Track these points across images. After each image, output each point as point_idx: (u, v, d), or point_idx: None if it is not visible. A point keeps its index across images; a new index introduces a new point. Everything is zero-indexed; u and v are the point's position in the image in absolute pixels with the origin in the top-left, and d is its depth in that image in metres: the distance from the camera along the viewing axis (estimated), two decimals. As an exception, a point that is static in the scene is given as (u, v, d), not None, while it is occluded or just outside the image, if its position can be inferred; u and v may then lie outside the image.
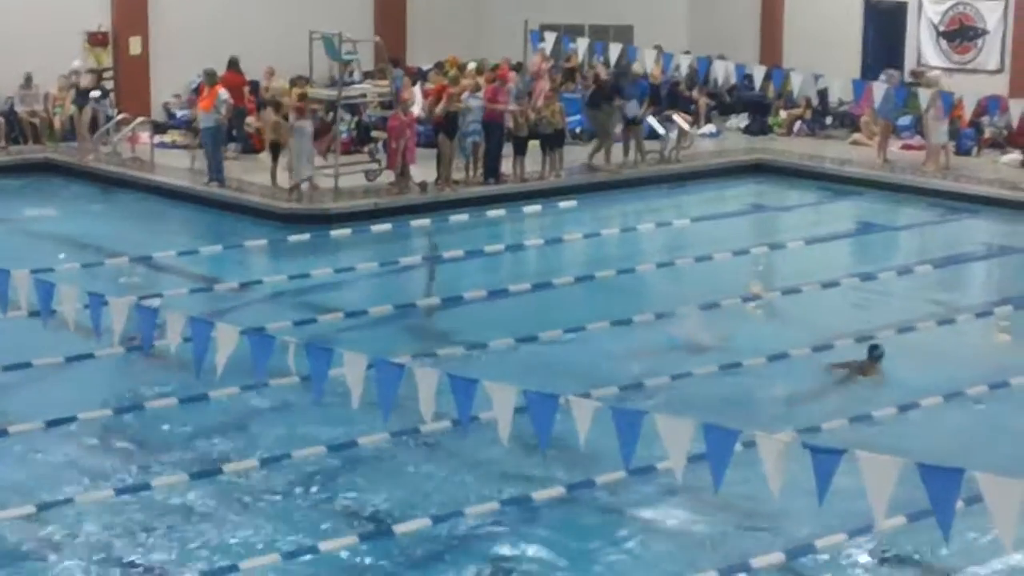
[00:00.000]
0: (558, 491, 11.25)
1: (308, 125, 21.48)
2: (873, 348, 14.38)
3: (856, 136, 27.07)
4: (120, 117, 25.11)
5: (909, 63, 28.38)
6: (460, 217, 20.69)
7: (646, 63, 25.19)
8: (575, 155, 24.52)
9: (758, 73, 24.25)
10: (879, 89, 23.08)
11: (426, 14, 29.94)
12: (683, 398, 13.15)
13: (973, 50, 27.93)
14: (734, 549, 10.53)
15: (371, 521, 11.11)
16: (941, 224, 22.39)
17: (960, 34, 28.10)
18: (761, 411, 13.28)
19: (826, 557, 10.35)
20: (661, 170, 24.87)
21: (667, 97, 27.73)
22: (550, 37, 25.36)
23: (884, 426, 12.64)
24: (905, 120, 26.42)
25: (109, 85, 26.40)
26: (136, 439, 12.68)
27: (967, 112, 23.49)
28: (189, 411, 12.94)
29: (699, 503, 11.10)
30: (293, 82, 24.72)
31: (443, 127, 22.58)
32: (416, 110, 24.02)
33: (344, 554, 10.40)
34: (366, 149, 23.95)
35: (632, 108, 24.58)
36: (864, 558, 10.43)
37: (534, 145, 23.52)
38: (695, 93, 28.36)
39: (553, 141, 23.64)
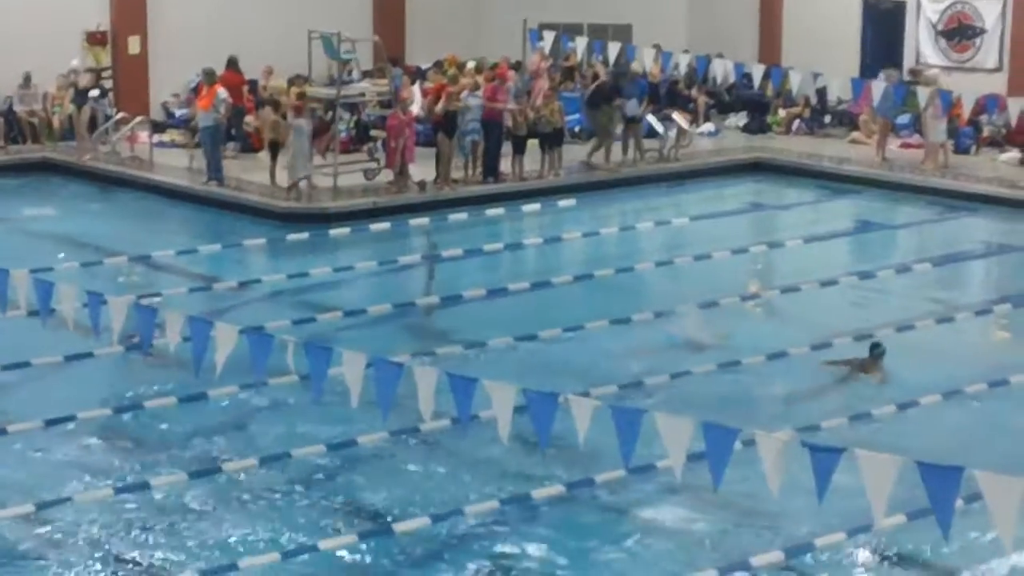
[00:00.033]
0: (558, 490, 11.25)
1: (305, 124, 21.47)
2: (874, 346, 14.38)
3: (855, 135, 27.07)
4: (119, 116, 25.11)
5: (908, 62, 28.38)
6: (459, 216, 20.68)
7: (645, 62, 25.21)
8: (574, 154, 24.52)
9: (757, 72, 24.27)
10: (878, 88, 23.07)
11: (425, 13, 29.93)
12: (682, 397, 13.16)
13: (972, 49, 27.93)
14: (734, 547, 10.54)
15: (371, 520, 11.12)
16: (940, 222, 22.40)
17: (959, 33, 28.10)
18: (760, 410, 13.28)
19: (825, 556, 10.36)
20: (660, 169, 24.87)
21: (666, 96, 27.72)
22: (549, 36, 25.37)
23: (883, 424, 12.65)
24: (904, 119, 26.42)
25: (108, 84, 26.40)
26: (135, 438, 12.68)
27: (966, 110, 23.46)
28: (188, 410, 12.94)
29: (699, 502, 11.11)
30: (291, 81, 24.71)
31: (442, 126, 22.57)
32: (415, 109, 24.00)
33: (344, 553, 10.41)
34: (365, 148, 23.94)
35: (631, 107, 24.58)
36: (863, 556, 10.44)
37: (533, 144, 23.53)
38: (694, 92, 28.36)
39: (552, 140, 23.64)
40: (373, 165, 22.86)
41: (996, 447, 12.20)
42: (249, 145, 24.77)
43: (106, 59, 26.83)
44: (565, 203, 21.87)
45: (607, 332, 15.23)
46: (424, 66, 28.23)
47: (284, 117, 22.00)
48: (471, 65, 25.44)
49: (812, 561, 10.31)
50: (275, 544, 10.54)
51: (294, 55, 23.88)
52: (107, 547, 10.57)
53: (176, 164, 23.94)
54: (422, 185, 22.28)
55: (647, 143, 25.08)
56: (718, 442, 8.37)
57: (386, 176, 22.45)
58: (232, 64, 25.04)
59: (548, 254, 20.03)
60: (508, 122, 23.22)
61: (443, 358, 14.13)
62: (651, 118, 25.48)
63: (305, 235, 19.39)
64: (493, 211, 21.29)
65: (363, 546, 10.48)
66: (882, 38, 29.31)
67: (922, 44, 28.51)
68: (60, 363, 13.81)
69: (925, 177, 23.92)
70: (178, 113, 26.52)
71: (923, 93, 23.11)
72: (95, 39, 26.70)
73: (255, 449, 12.25)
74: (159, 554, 10.46)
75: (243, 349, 10.24)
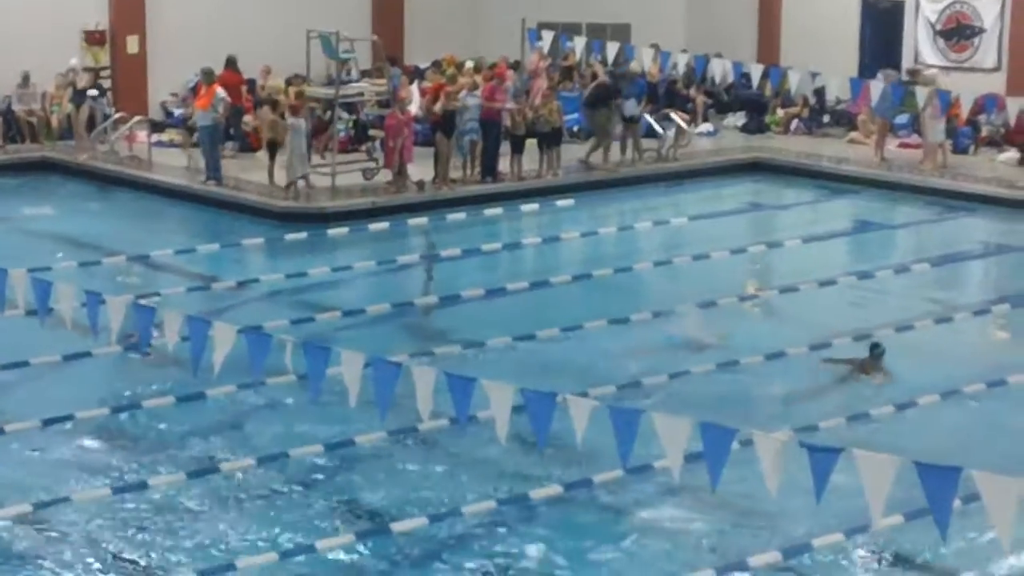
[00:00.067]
0: (556, 490, 11.25)
1: (302, 123, 21.46)
2: (874, 347, 14.38)
3: (853, 134, 27.06)
4: (117, 116, 25.12)
5: (906, 62, 28.38)
6: (457, 216, 20.68)
7: (643, 61, 25.21)
8: (573, 153, 24.51)
9: (755, 71, 24.30)
10: (876, 88, 23.09)
11: (423, 13, 29.93)
12: (681, 397, 13.15)
13: (970, 48, 27.93)
14: (731, 548, 10.54)
15: (368, 520, 11.12)
16: (938, 222, 22.40)
17: (957, 32, 28.10)
18: (758, 410, 13.28)
19: (823, 556, 10.35)
20: (658, 168, 24.87)
21: (664, 95, 27.74)
22: (547, 35, 25.38)
23: (881, 424, 12.64)
24: (902, 118, 26.42)
25: (106, 84, 26.39)
26: (133, 438, 12.68)
27: (964, 110, 23.45)
28: (186, 410, 12.94)
29: (696, 502, 11.11)
30: (289, 81, 24.71)
31: (441, 126, 22.57)
32: (413, 109, 24.00)
33: (341, 553, 10.41)
34: (363, 148, 23.94)
35: (630, 107, 24.58)
36: (861, 557, 10.43)
37: (532, 144, 23.52)
38: (692, 91, 28.36)
39: (551, 140, 23.64)
40: (371, 165, 22.86)
41: (994, 447, 12.20)
42: (248, 145, 24.78)
43: (105, 58, 26.83)
44: (563, 203, 21.86)
45: (605, 332, 15.23)
46: (422, 66, 28.23)
47: (283, 117, 21.99)
48: (469, 65, 25.44)
49: (810, 561, 10.30)
50: (273, 544, 10.54)
51: (293, 55, 23.88)
52: (105, 547, 10.56)
53: (175, 163, 23.95)
54: (420, 185, 22.28)
55: (646, 143, 25.08)
56: (716, 442, 8.37)
57: (384, 176, 22.45)
58: (231, 64, 25.05)
59: (546, 254, 20.03)
60: (506, 122, 23.22)
61: (441, 358, 14.13)
62: (649, 118, 25.49)
63: (303, 235, 19.40)
64: (491, 211, 21.28)
65: (361, 546, 10.48)
66: (881, 38, 29.31)
67: (921, 44, 28.51)
68: (58, 362, 13.81)
69: (924, 177, 23.92)
70: (176, 112, 26.52)
71: (921, 93, 23.12)
72: (94, 38, 26.70)
73: (253, 449, 12.24)
74: (157, 554, 10.45)
75: (241, 349, 10.25)
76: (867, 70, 28.03)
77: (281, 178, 21.82)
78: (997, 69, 27.41)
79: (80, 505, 11.03)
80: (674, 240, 20.26)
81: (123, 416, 13.01)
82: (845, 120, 27.93)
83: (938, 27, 28.30)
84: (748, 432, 8.53)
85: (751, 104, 28.40)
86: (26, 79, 25.71)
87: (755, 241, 20.22)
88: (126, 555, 10.45)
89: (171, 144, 25.27)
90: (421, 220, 20.60)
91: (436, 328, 16.40)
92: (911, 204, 23.22)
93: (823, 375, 14.34)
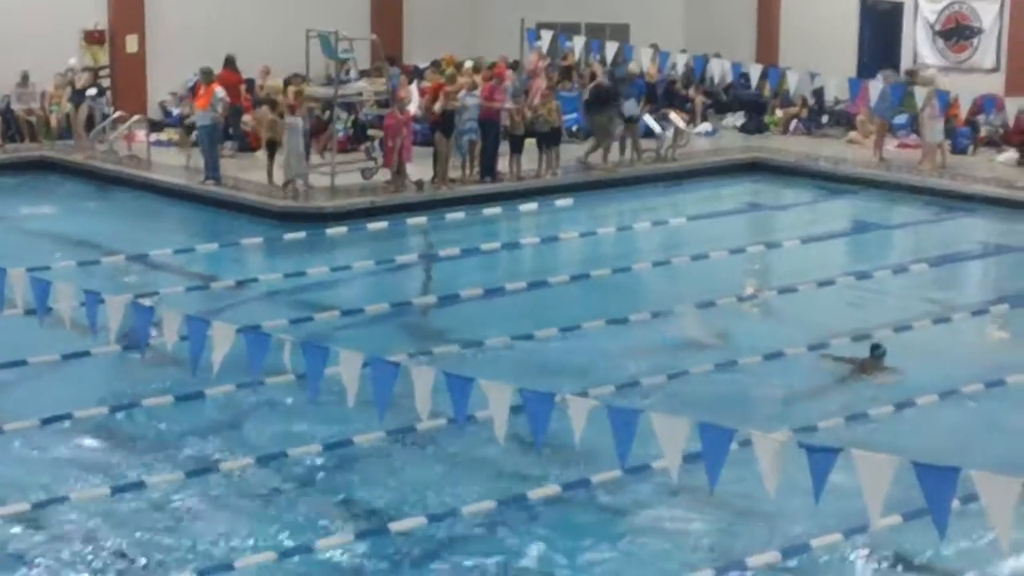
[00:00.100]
0: (554, 490, 11.25)
1: (299, 121, 21.46)
2: (875, 347, 14.39)
3: (852, 135, 27.08)
4: (116, 115, 25.11)
5: (905, 62, 28.39)
6: (456, 215, 20.67)
7: (642, 61, 25.22)
8: (572, 153, 24.52)
9: (754, 72, 24.33)
10: (875, 88, 23.10)
11: (423, 12, 29.94)
12: (679, 397, 13.16)
13: (969, 49, 27.94)
14: (730, 548, 10.54)
15: (367, 519, 11.11)
16: (937, 223, 22.41)
17: (956, 33, 28.11)
18: (757, 410, 13.28)
19: (822, 556, 10.35)
20: (657, 169, 24.87)
21: (663, 96, 27.74)
22: (547, 35, 25.38)
23: (880, 424, 12.64)
24: (901, 119, 26.43)
25: (105, 83, 26.38)
26: (132, 437, 12.68)
27: (963, 111, 23.49)
28: (185, 409, 12.94)
29: (695, 502, 11.10)
30: (288, 80, 24.71)
31: (439, 125, 22.57)
32: (412, 108, 24.01)
33: (340, 553, 10.40)
34: (362, 147, 23.94)
35: (630, 107, 24.58)
36: (860, 557, 10.43)
37: (531, 143, 23.52)
38: (691, 92, 28.37)
39: (550, 139, 23.64)
40: (370, 164, 22.87)
41: (993, 447, 12.20)
42: (247, 144, 24.77)
43: (104, 58, 26.84)
44: (562, 203, 21.85)
45: (604, 332, 15.23)
46: (422, 65, 28.24)
47: (282, 116, 22.00)
48: (469, 64, 25.44)
49: (808, 561, 10.30)
50: (271, 543, 10.54)
51: (292, 54, 23.87)
52: (103, 546, 10.56)
53: (174, 163, 23.96)
54: (419, 184, 22.28)
55: (644, 143, 25.09)
56: (714, 442, 8.38)
57: (383, 175, 22.45)
58: (230, 63, 25.06)
59: (545, 254, 20.03)
60: (505, 121, 23.22)
61: (440, 357, 14.13)
62: (648, 118, 25.49)
63: (302, 234, 19.40)
64: (490, 210, 21.28)
65: (359, 546, 10.47)
66: (880, 38, 29.32)
67: (920, 44, 28.52)
68: (57, 362, 13.80)
69: (922, 177, 23.93)
70: (175, 112, 26.52)
71: (920, 93, 23.11)
72: (93, 38, 26.70)
73: (251, 448, 12.24)
74: (155, 553, 10.45)
75: (240, 348, 10.25)
76: (866, 70, 28.04)
77: (280, 178, 21.83)
78: (996, 69, 27.43)
79: (79, 504, 11.02)
80: (673, 240, 20.26)
81: (122, 415, 13.01)
82: (844, 120, 27.94)
83: (937, 27, 28.31)
84: (747, 432, 8.53)
85: (750, 104, 28.41)
86: (25, 78, 25.71)
87: (754, 241, 20.21)
88: (125, 554, 10.45)
89: (170, 143, 25.26)
90: (420, 220, 20.59)
91: (435, 328, 16.40)
92: (910, 204, 23.23)
93: (822, 375, 14.35)
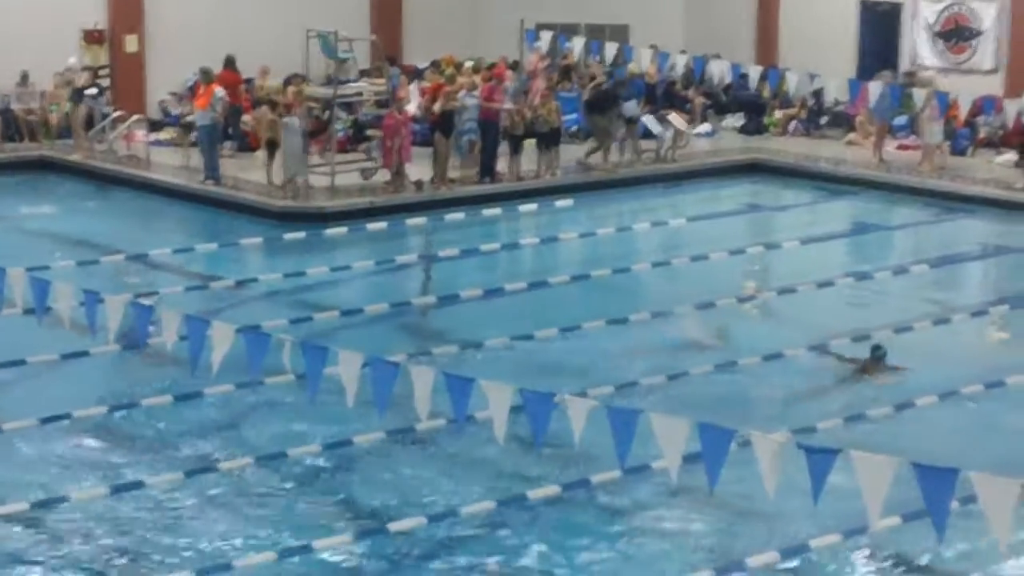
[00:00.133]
0: (554, 490, 11.24)
1: (297, 121, 21.46)
2: (876, 348, 14.39)
3: (851, 136, 27.09)
4: (116, 115, 25.11)
5: (905, 63, 28.41)
6: (456, 216, 20.68)
7: (642, 62, 25.22)
8: (571, 154, 24.52)
9: (754, 73, 24.34)
10: (875, 89, 23.11)
11: (422, 13, 29.94)
12: (679, 397, 13.16)
13: (968, 50, 27.95)
14: (729, 548, 10.54)
15: (366, 519, 11.11)
16: (936, 224, 22.41)
17: (955, 34, 28.12)
18: (756, 410, 13.28)
19: (821, 557, 10.35)
20: (657, 169, 24.87)
21: (663, 96, 27.73)
22: (546, 36, 25.39)
23: (879, 425, 12.64)
24: (901, 120, 26.45)
25: (105, 83, 26.39)
26: (131, 436, 12.67)
27: (962, 112, 23.50)
28: (184, 409, 12.94)
29: (694, 502, 11.10)
30: (288, 80, 24.71)
31: (439, 125, 22.57)
32: (412, 109, 24.01)
33: (339, 553, 10.40)
34: (362, 147, 23.95)
35: (630, 108, 24.58)
36: (859, 558, 10.43)
37: (530, 144, 23.52)
38: (691, 92, 28.36)
39: (549, 140, 23.63)
40: (370, 164, 22.87)
41: (992, 448, 12.20)
42: (246, 144, 24.77)
43: (103, 57, 26.84)
44: (562, 203, 21.86)
45: (604, 332, 15.23)
46: (421, 66, 28.25)
47: (281, 116, 22.00)
48: (468, 65, 25.44)
49: (807, 562, 10.30)
50: (270, 543, 10.53)
51: (292, 54, 23.89)
52: (102, 545, 10.56)
53: (173, 163, 23.96)
54: (419, 185, 22.28)
55: (644, 144, 25.10)
56: (714, 443, 8.38)
57: (383, 176, 22.45)
58: (229, 63, 25.06)
59: (545, 254, 20.03)
60: (505, 122, 23.22)
61: (439, 358, 14.14)
62: (648, 119, 25.49)
63: (302, 234, 19.40)
64: (490, 211, 21.28)
65: (358, 546, 10.47)
66: (879, 39, 29.32)
67: (919, 45, 28.53)
68: (56, 361, 13.80)
69: (922, 178, 23.94)
70: (173, 112, 26.52)
71: (919, 95, 23.10)
72: (92, 37, 26.71)
73: (251, 448, 12.24)
74: (154, 553, 10.44)
75: (239, 348, 10.24)
76: (865, 71, 28.04)
77: (279, 178, 21.82)
78: (995, 71, 27.44)
79: (78, 504, 11.02)
80: (672, 241, 20.27)
81: (121, 415, 13.01)
82: (843, 121, 27.95)
83: (936, 29, 28.32)
84: (746, 433, 8.53)
85: (749, 105, 28.41)
86: (25, 78, 25.72)
87: (753, 242, 20.22)
88: (124, 554, 10.44)
89: (170, 143, 25.26)
90: (419, 220, 20.60)
91: (434, 328, 16.41)
92: (909, 205, 23.24)
93: (822, 376, 14.35)
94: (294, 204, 21.35)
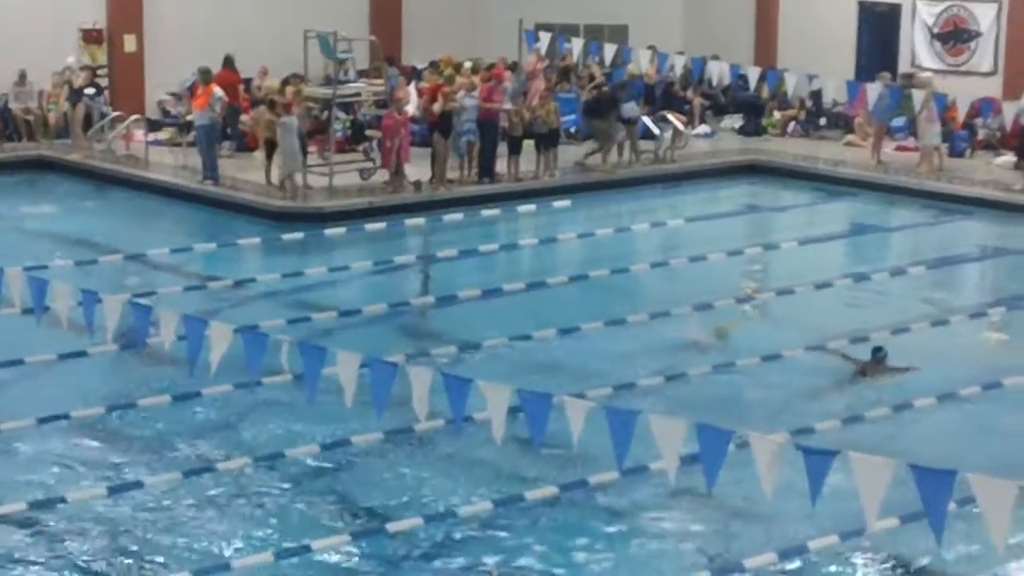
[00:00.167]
0: (551, 491, 11.24)
1: (294, 120, 21.45)
2: (876, 350, 14.39)
3: (850, 137, 27.09)
4: (114, 114, 25.11)
5: (903, 65, 28.41)
6: (454, 216, 20.69)
7: (641, 63, 25.22)
8: (570, 155, 24.53)
9: (752, 74, 24.36)
10: (873, 91, 23.11)
11: (421, 13, 29.93)
12: (677, 398, 13.17)
13: (967, 52, 27.96)
14: (727, 549, 10.54)
15: (364, 520, 11.11)
16: (934, 225, 22.41)
17: (954, 36, 28.13)
18: (755, 411, 13.27)
19: (819, 558, 10.35)
20: (655, 170, 24.88)
21: (662, 97, 27.74)
22: (545, 37, 25.38)
23: (877, 427, 12.65)
24: (899, 122, 26.45)
25: (103, 82, 26.38)
26: (129, 437, 12.67)
27: (960, 114, 23.52)
28: (182, 409, 12.94)
29: (692, 503, 11.11)
30: (285, 81, 24.71)
31: (438, 126, 22.57)
32: (411, 109, 24.01)
33: (337, 553, 10.40)
34: (361, 148, 23.94)
35: (629, 109, 24.59)
36: (857, 559, 10.43)
37: (529, 145, 23.52)
38: (690, 93, 28.37)
39: (548, 141, 23.63)
40: (369, 165, 22.87)
41: (989, 450, 12.20)
42: (245, 144, 24.77)
43: (102, 57, 26.82)
44: (560, 204, 21.88)
45: (602, 333, 15.24)
46: (420, 66, 28.23)
47: (279, 116, 21.99)
48: (467, 65, 25.44)
49: (805, 563, 10.30)
50: (268, 544, 10.53)
51: (290, 54, 23.86)
52: (100, 546, 10.55)
53: (172, 162, 23.95)
54: (417, 185, 22.28)
55: (643, 144, 25.10)
56: (712, 444, 8.38)
57: (382, 176, 22.45)
58: (228, 63, 25.05)
59: (543, 255, 20.03)
60: (504, 123, 23.22)
61: (438, 358, 14.14)
62: (647, 119, 25.50)
63: (300, 234, 19.40)
64: (488, 211, 21.29)
65: (356, 546, 10.47)
66: (878, 41, 29.33)
67: (917, 47, 28.54)
68: (54, 361, 13.80)
69: (920, 180, 23.95)
70: (172, 112, 26.52)
71: (918, 96, 23.11)
72: (91, 37, 26.69)
73: (249, 448, 12.24)
74: (152, 553, 10.43)
75: (237, 348, 10.24)
76: (864, 73, 28.05)
77: (277, 178, 21.82)
78: (993, 73, 27.45)
79: (75, 504, 11.01)
80: (671, 242, 20.28)
81: (119, 415, 13.01)
82: (842, 123, 27.97)
83: (935, 31, 28.33)
84: (744, 434, 8.54)
85: (748, 106, 28.43)
86: (23, 77, 25.70)
87: (752, 243, 20.23)
88: (122, 554, 10.43)
89: (169, 143, 25.25)
90: (418, 220, 20.60)
91: (433, 328, 16.41)
92: (907, 207, 23.24)
93: (821, 377, 14.34)
94: (292, 204, 21.35)
